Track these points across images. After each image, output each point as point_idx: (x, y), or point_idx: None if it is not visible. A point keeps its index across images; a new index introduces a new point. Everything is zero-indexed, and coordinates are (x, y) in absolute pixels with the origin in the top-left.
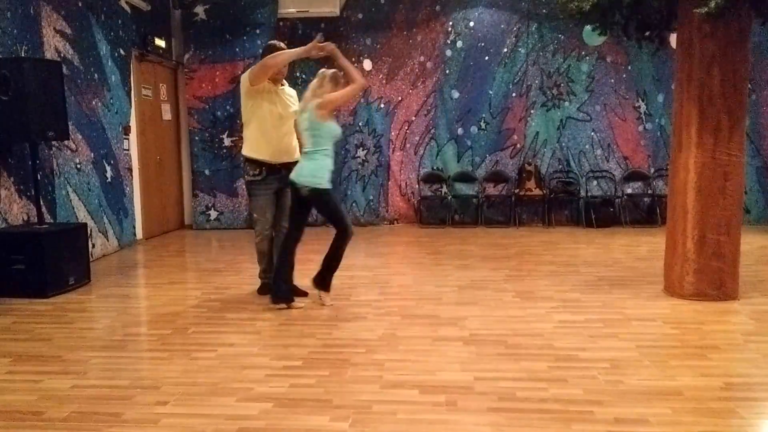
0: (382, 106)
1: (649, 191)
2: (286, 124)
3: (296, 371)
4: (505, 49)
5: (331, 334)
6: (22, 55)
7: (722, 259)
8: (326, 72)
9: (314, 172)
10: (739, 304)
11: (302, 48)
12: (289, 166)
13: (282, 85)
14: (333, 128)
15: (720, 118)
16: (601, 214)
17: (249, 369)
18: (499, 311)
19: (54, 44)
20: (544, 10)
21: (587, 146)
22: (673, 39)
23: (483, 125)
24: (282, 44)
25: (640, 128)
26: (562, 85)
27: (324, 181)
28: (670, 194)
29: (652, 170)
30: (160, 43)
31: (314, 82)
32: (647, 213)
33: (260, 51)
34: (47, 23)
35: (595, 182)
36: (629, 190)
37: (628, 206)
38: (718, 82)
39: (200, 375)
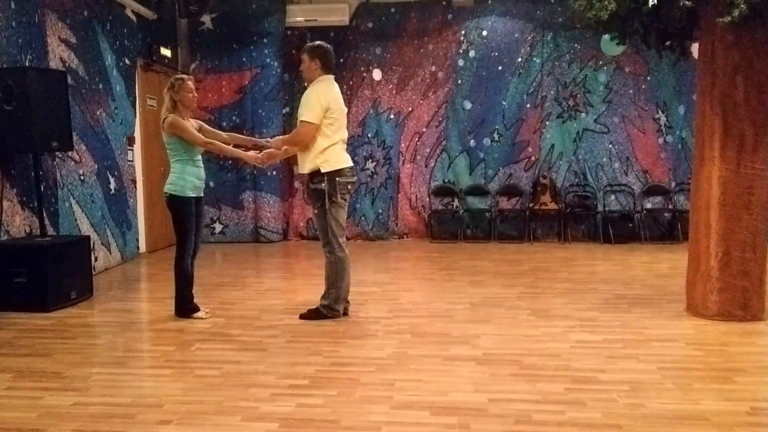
0: (392, 116)
1: (670, 206)
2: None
3: (303, 390)
4: (520, 59)
5: (339, 352)
6: (27, 64)
7: (748, 277)
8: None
9: (170, 179)
10: (766, 325)
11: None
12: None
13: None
14: (183, 141)
15: (744, 130)
16: (620, 230)
17: (254, 387)
18: (514, 330)
19: (59, 54)
20: (560, 19)
21: (605, 159)
22: (694, 49)
23: (496, 137)
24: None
25: (660, 141)
26: (578, 95)
27: (178, 189)
28: (693, 209)
29: (673, 184)
30: (166, 52)
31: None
32: (668, 229)
33: (267, 60)
34: (52, 32)
35: (613, 196)
36: (649, 205)
37: (648, 222)
38: (741, 93)
39: (204, 393)
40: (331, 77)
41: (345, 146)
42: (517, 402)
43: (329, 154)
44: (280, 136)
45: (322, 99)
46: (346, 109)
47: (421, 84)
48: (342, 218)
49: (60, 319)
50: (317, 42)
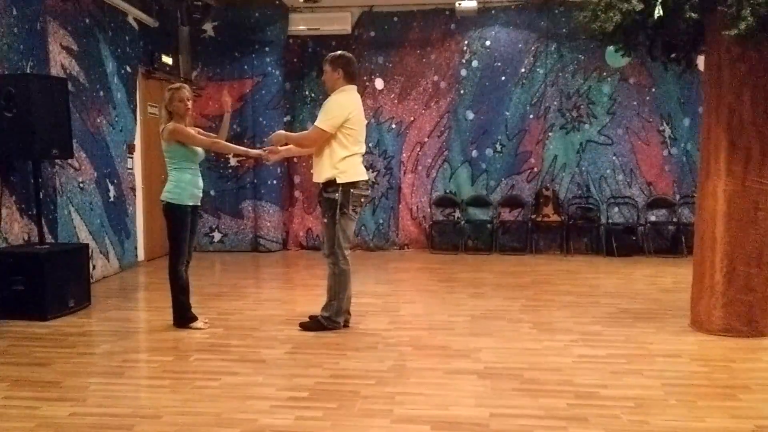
0: (394, 126)
1: (674, 219)
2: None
3: (302, 403)
4: (523, 69)
5: (339, 364)
6: (28, 71)
7: (753, 292)
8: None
9: (168, 187)
10: None
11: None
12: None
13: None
14: (182, 148)
15: (751, 144)
16: (623, 243)
17: (253, 399)
18: (515, 343)
19: (60, 60)
20: (564, 30)
21: (608, 171)
22: (700, 61)
23: (499, 148)
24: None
25: (665, 153)
26: (582, 106)
27: (176, 197)
28: (698, 223)
29: (678, 197)
30: (167, 60)
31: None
32: (672, 242)
33: (269, 69)
34: (54, 39)
35: (616, 209)
36: (653, 218)
37: (652, 235)
38: (748, 107)
39: (203, 405)
40: (354, 87)
41: (362, 159)
42: (518, 417)
43: (347, 165)
44: (283, 131)
45: (343, 109)
46: (365, 122)
47: (423, 94)
48: (350, 230)
49: (57, 328)
50: (339, 52)
